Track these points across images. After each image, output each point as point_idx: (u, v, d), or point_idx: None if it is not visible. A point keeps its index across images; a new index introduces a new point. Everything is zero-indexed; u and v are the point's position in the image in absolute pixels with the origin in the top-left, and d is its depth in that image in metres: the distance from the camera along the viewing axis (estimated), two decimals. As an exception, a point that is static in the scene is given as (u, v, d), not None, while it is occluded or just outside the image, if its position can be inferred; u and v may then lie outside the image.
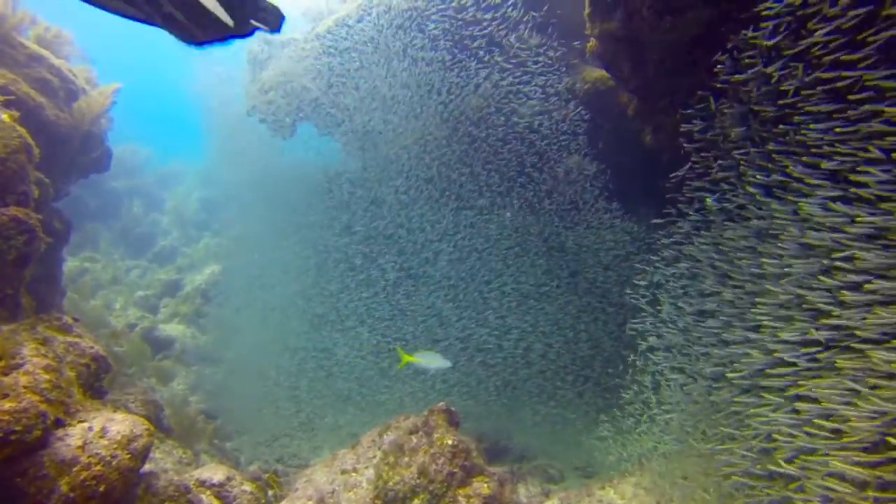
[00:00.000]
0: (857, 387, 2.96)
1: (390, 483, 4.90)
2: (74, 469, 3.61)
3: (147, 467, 4.41)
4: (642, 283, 5.19)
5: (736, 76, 3.76)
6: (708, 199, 4.20)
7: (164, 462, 5.85)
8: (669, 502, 4.65)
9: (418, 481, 4.81)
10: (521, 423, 7.64)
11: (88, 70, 7.33)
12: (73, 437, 3.75)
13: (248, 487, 5.06)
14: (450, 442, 4.90)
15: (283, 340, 9.31)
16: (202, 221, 16.63)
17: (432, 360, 5.48)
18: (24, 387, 3.64)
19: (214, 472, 5.07)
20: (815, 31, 3.11)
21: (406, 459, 5.03)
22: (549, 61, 6.44)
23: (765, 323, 3.63)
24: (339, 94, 8.47)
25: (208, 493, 4.79)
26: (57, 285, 6.76)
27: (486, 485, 4.78)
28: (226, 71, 12.50)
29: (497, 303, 7.32)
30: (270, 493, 5.50)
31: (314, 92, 8.95)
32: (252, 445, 7.87)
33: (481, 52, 6.89)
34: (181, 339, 10.76)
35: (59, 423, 3.77)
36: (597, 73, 6.54)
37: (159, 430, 6.22)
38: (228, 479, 5.03)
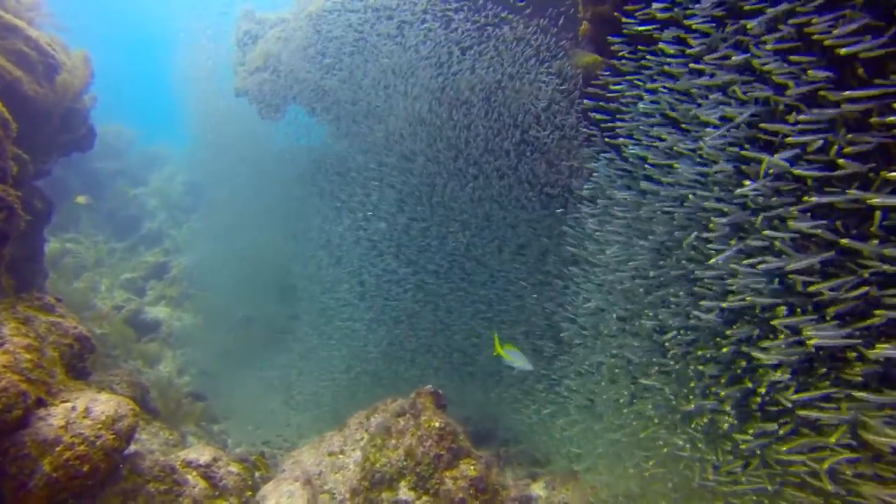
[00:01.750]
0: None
1: (377, 465, 4.94)
2: (57, 449, 3.57)
3: (132, 448, 4.38)
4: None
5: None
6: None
7: (150, 443, 5.82)
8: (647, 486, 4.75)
9: (405, 463, 4.85)
10: (508, 406, 7.70)
11: (64, 43, 7.05)
12: (55, 416, 3.70)
13: (234, 468, 5.06)
14: (437, 424, 4.93)
15: (270, 323, 9.27)
16: (189, 204, 16.40)
17: (518, 360, 5.59)
18: (4, 366, 3.58)
19: (201, 453, 5.06)
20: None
21: (393, 441, 5.06)
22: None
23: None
24: (329, 75, 8.31)
25: (194, 473, 4.78)
26: (38, 265, 6.62)
27: (472, 467, 4.82)
28: (212, 49, 12.24)
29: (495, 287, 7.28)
30: (257, 474, 5.50)
31: (305, 73, 8.78)
32: (239, 427, 7.87)
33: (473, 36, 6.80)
34: (168, 322, 10.67)
35: (40, 403, 3.72)
36: (589, 57, 6.47)
37: (145, 412, 6.18)
38: (215, 459, 5.02)
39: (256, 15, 11.19)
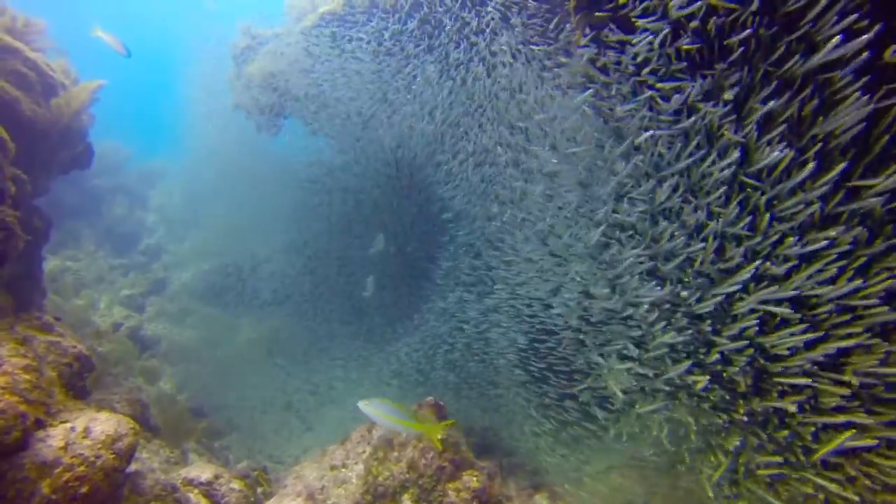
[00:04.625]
0: None
1: (380, 478, 4.90)
2: (56, 470, 3.55)
3: (133, 467, 4.35)
4: None
5: None
6: None
7: (150, 462, 5.78)
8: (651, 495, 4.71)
9: (408, 476, 4.82)
10: (510, 418, 7.63)
11: (66, 64, 7.15)
12: (54, 437, 3.68)
13: (236, 485, 5.03)
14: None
15: (271, 339, 9.24)
16: (187, 219, 16.41)
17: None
18: (2, 388, 3.57)
19: (202, 471, 5.03)
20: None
21: (395, 454, 5.03)
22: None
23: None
24: (324, 89, 8.37)
25: (196, 491, 4.76)
26: (37, 284, 6.62)
27: (475, 478, 4.80)
28: (209, 66, 12.33)
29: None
30: (259, 490, 5.46)
31: (300, 88, 8.86)
32: (241, 444, 7.81)
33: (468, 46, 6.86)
34: (168, 338, 10.63)
35: (39, 424, 3.70)
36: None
37: (146, 430, 6.14)
38: (216, 477, 4.99)
39: (252, 30, 11.31)
